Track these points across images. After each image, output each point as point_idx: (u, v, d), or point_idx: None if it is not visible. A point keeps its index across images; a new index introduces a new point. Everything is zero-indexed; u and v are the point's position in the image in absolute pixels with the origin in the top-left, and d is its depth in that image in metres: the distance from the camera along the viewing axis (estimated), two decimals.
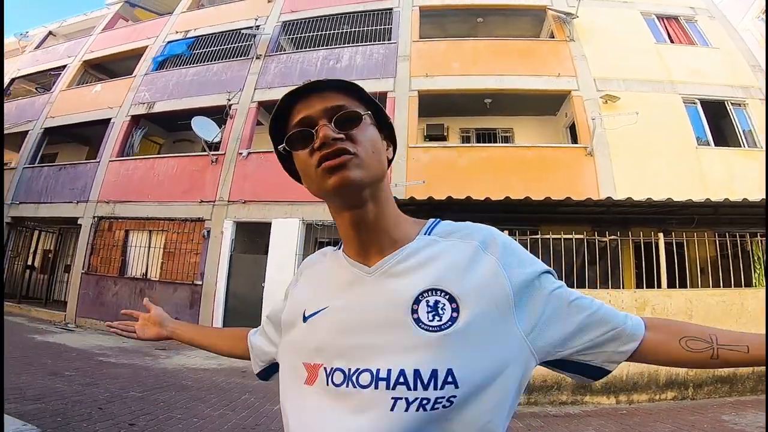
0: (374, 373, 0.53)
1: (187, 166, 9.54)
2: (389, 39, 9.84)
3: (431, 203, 5.82)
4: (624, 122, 7.79)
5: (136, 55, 11.99)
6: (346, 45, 10.03)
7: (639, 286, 5.76)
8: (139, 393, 4.28)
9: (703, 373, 4.60)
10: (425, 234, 0.64)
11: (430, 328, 0.54)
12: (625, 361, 0.62)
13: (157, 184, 9.47)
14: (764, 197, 5.26)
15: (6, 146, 12.99)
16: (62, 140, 12.65)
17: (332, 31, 10.35)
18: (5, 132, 12.27)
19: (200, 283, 8.34)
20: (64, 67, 13.07)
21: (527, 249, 0.64)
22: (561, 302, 0.60)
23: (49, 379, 4.44)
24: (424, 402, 0.51)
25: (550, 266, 0.64)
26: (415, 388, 0.51)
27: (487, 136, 10.15)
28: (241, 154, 9.02)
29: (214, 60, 10.83)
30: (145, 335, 0.98)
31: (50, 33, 15.40)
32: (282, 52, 10.50)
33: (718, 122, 8.64)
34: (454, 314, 0.55)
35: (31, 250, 11.35)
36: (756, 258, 5.64)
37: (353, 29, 10.25)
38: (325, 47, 10.16)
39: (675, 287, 5.56)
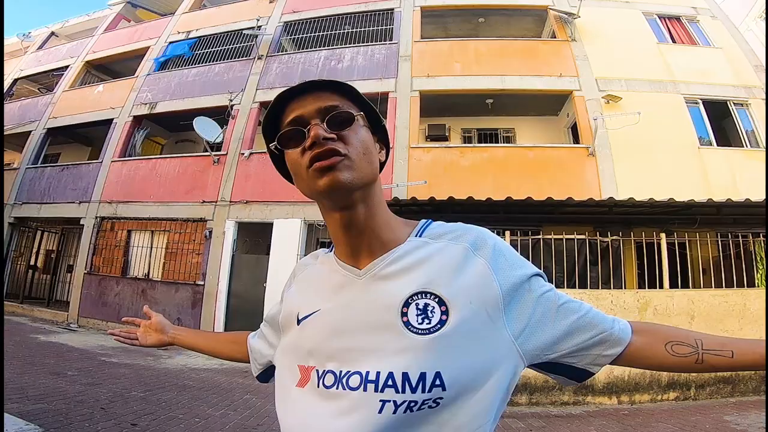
0: (363, 375, 0.54)
1: (189, 166, 9.55)
2: (391, 39, 9.84)
3: (433, 203, 5.83)
4: (626, 122, 7.75)
5: (139, 55, 12.00)
6: (348, 45, 10.02)
7: (641, 286, 5.75)
8: (141, 393, 4.29)
9: (705, 374, 4.58)
10: (416, 236, 0.64)
11: (420, 331, 0.55)
12: (610, 364, 0.62)
13: (159, 185, 9.49)
14: (765, 197, 5.24)
15: (9, 146, 13.05)
16: (65, 141, 12.69)
17: (334, 32, 10.35)
18: (8, 132, 12.32)
19: (202, 283, 8.35)
20: (66, 67, 13.10)
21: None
22: (550, 306, 0.60)
23: (51, 379, 4.46)
24: (412, 404, 0.51)
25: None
26: (404, 391, 0.52)
27: (488, 137, 10.16)
28: (243, 154, 9.03)
29: (216, 60, 10.83)
30: (147, 342, 1.00)
31: (53, 33, 15.43)
32: (284, 53, 10.50)
33: (721, 122, 8.60)
34: (444, 317, 0.55)
35: (34, 251, 11.35)
36: (759, 258, 5.61)
37: (355, 29, 10.25)
38: (326, 47, 10.15)
39: (677, 288, 5.55)
